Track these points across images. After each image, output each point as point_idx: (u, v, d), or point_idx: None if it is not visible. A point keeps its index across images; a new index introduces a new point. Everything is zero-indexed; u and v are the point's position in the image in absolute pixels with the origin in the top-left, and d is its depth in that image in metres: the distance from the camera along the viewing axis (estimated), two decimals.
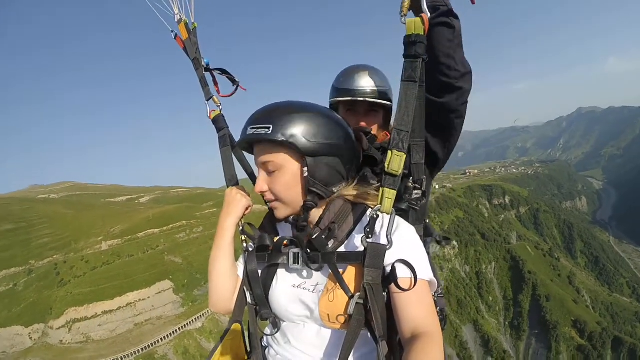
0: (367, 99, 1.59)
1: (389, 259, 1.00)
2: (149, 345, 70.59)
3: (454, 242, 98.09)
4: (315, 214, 1.16)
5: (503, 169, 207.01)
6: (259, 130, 1.06)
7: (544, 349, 77.63)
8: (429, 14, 1.06)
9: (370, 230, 1.01)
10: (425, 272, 1.01)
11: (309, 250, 1.11)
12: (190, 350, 69.95)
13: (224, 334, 1.22)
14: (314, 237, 1.10)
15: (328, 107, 1.55)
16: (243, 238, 1.30)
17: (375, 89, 1.60)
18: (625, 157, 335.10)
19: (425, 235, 1.37)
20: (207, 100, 1.44)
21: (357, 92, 1.59)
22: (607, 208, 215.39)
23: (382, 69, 1.74)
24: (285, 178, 1.09)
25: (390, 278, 0.97)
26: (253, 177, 1.38)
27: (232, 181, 1.39)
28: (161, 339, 72.28)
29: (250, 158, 1.27)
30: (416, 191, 1.21)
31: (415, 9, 1.16)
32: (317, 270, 1.12)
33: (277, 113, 1.08)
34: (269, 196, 1.14)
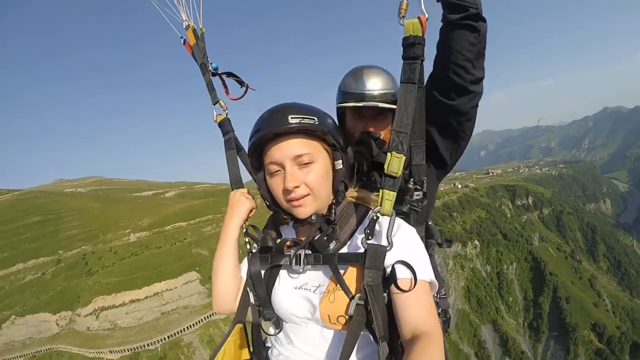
0: (376, 104, 1.49)
1: (389, 260, 0.99)
2: (175, 333, 72.42)
3: (476, 242, 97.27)
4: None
5: (526, 169, 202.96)
6: (305, 120, 1.05)
7: (562, 351, 76.46)
8: (426, 15, 1.05)
9: (370, 232, 1.01)
10: (425, 273, 1.01)
11: (310, 252, 1.11)
12: (216, 339, 70.70)
13: (227, 334, 1.21)
14: (315, 238, 1.11)
15: (334, 110, 1.62)
16: (247, 240, 1.30)
17: (384, 92, 1.50)
18: None
19: (427, 237, 1.36)
20: (214, 105, 1.45)
21: (365, 96, 1.50)
22: (632, 211, 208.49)
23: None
24: (321, 170, 1.10)
25: (390, 279, 0.97)
26: (259, 181, 1.27)
27: (237, 184, 1.39)
28: (187, 327, 73.99)
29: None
30: (417, 192, 1.21)
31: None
32: (318, 271, 1.12)
33: (309, 108, 1.09)
34: (301, 191, 1.09)
